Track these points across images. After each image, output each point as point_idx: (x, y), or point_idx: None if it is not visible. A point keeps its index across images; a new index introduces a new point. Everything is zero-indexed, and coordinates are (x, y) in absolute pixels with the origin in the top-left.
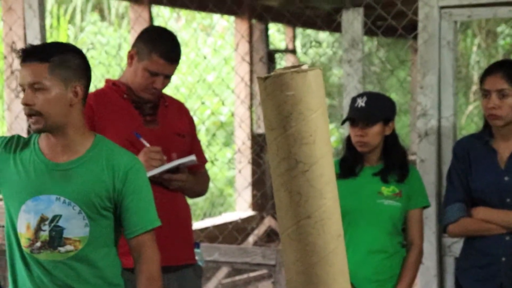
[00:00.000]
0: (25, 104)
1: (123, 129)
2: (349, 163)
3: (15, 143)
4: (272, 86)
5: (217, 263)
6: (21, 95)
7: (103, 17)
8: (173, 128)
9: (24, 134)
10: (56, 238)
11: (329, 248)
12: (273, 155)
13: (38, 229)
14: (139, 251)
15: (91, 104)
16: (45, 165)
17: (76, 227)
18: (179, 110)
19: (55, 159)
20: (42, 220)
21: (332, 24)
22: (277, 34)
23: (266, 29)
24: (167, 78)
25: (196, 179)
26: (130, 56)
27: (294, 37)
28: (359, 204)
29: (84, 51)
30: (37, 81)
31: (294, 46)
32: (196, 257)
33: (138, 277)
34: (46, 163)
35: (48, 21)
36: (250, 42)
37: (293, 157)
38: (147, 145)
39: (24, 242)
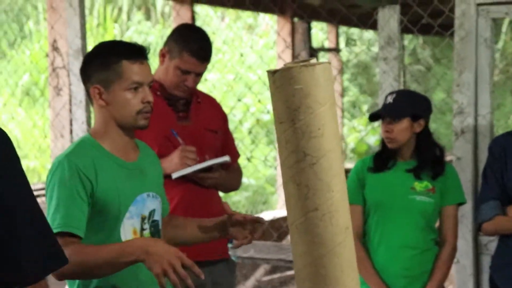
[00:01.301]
0: (150, 101)
1: (158, 126)
2: (382, 158)
3: (82, 161)
4: (281, 79)
5: (252, 259)
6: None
7: (148, 17)
8: (206, 124)
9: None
10: (156, 232)
11: (337, 240)
12: (282, 148)
13: (142, 230)
14: (169, 217)
15: None
16: (127, 168)
17: (161, 217)
18: (212, 106)
19: (130, 159)
20: (143, 219)
21: (368, 21)
22: (321, 33)
23: (309, 28)
24: (199, 76)
25: (229, 174)
26: (162, 55)
27: (337, 36)
28: (390, 199)
29: None
30: (153, 80)
31: (337, 45)
32: (230, 252)
33: (179, 218)
34: (126, 165)
35: (95, 21)
36: (293, 41)
37: (301, 150)
38: (182, 143)
39: None
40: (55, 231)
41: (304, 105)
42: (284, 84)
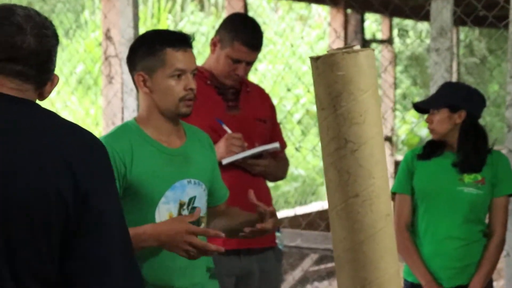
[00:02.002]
0: (193, 89)
1: (207, 115)
2: (432, 146)
3: (121, 145)
4: (323, 66)
5: (299, 248)
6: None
7: (201, 7)
8: (255, 113)
9: (118, 120)
10: (195, 220)
11: (377, 226)
12: (323, 135)
13: (179, 215)
14: (226, 207)
15: None
16: (168, 153)
17: (204, 205)
18: (261, 95)
19: (172, 144)
20: (181, 205)
21: (421, 12)
22: (375, 25)
23: (362, 19)
24: (249, 64)
25: (277, 163)
26: (213, 44)
27: (390, 27)
28: (438, 189)
29: None
30: (196, 67)
31: (391, 36)
32: (277, 241)
33: (232, 210)
34: (168, 151)
35: (149, 11)
36: (345, 32)
37: (343, 136)
38: (229, 131)
39: None
40: None
41: (346, 92)
42: (327, 71)
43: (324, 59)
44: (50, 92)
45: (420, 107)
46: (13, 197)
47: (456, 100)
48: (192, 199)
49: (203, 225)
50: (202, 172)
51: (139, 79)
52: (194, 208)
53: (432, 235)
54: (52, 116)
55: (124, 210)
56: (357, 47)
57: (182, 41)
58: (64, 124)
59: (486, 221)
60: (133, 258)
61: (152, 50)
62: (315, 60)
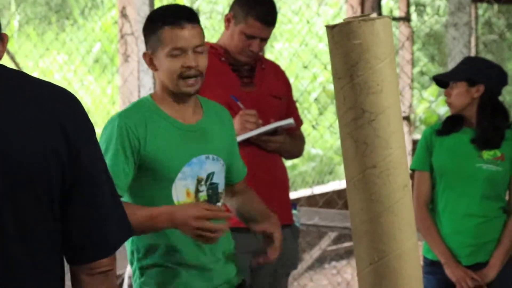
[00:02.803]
0: (190, 66)
1: (222, 91)
2: (451, 122)
3: (135, 120)
4: (340, 34)
5: (317, 227)
6: (168, 58)
7: None
8: (270, 90)
9: (134, 98)
10: (214, 195)
11: (395, 198)
12: (340, 105)
13: (197, 191)
14: (244, 187)
15: None
16: (183, 129)
17: (222, 180)
18: (276, 72)
19: (188, 120)
20: (199, 181)
21: None
22: (392, 3)
23: None
24: (263, 40)
25: (292, 140)
26: (227, 20)
27: (408, 5)
28: (457, 166)
29: (200, 19)
30: (201, 43)
31: (408, 14)
32: (293, 218)
33: (249, 195)
34: (183, 127)
35: None
36: (362, 10)
37: (360, 106)
38: (243, 108)
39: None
40: None
41: (363, 61)
42: (343, 39)
43: (340, 27)
44: (3, 52)
45: (439, 81)
46: (16, 160)
47: (474, 74)
48: (210, 175)
49: (221, 201)
50: (221, 147)
51: (147, 58)
52: (212, 184)
53: (451, 212)
54: (26, 76)
55: (140, 186)
56: (374, 15)
57: (179, 17)
58: (42, 82)
59: (507, 197)
60: (122, 207)
61: (153, 29)
62: (331, 28)
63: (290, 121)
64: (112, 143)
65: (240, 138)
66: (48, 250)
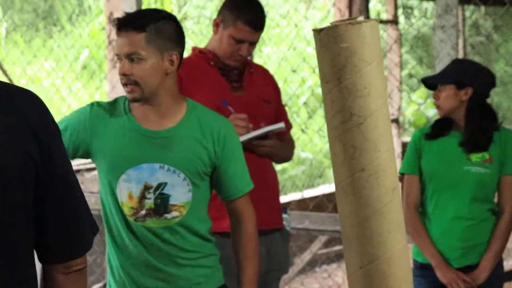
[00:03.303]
0: (123, 74)
1: (211, 96)
2: (439, 125)
3: (101, 112)
4: (327, 38)
5: (307, 230)
6: (118, 65)
7: None
8: (259, 94)
9: None
10: (162, 206)
11: (384, 201)
12: (328, 108)
13: (142, 197)
14: (238, 213)
15: (180, 72)
16: (143, 134)
17: (180, 194)
18: (264, 76)
19: (153, 127)
20: (146, 188)
21: None
22: (380, 5)
23: (367, 0)
24: (252, 45)
25: (283, 145)
26: (216, 24)
27: (395, 8)
28: (446, 169)
29: (188, 24)
30: (134, 51)
31: (396, 17)
32: (284, 222)
33: (237, 236)
34: (144, 131)
35: None
36: (350, 12)
37: (348, 109)
38: (234, 112)
39: (127, 211)
40: None
41: (350, 64)
42: (330, 43)
43: (327, 31)
44: None
45: (428, 83)
46: None
47: (463, 77)
48: (162, 185)
49: (175, 213)
50: (184, 160)
51: None
52: (162, 194)
53: (440, 215)
54: None
55: (99, 171)
56: (361, 18)
57: (119, 24)
58: (5, 85)
59: (496, 199)
60: (86, 201)
61: None
62: (318, 32)
63: (281, 125)
64: (71, 116)
65: None
66: (23, 251)
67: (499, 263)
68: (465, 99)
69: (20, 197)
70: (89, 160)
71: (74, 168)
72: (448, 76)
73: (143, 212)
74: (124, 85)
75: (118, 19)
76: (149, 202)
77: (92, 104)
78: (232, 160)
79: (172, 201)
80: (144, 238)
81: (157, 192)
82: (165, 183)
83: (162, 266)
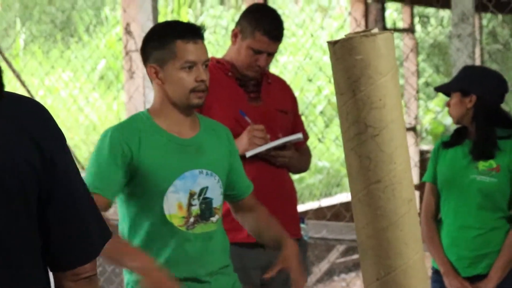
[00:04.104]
0: (202, 80)
1: (229, 107)
2: (457, 134)
3: (125, 134)
4: (341, 50)
5: (325, 240)
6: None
7: (222, 1)
8: (276, 104)
9: None
10: (207, 210)
11: (400, 212)
12: (343, 120)
13: (189, 205)
14: (254, 203)
15: None
16: (178, 143)
17: (217, 196)
18: (282, 87)
19: (184, 135)
20: (191, 195)
21: None
22: (396, 14)
23: (383, 8)
24: (270, 55)
25: (300, 155)
26: (234, 35)
27: (412, 16)
28: (453, 178)
29: (204, 34)
30: (208, 59)
31: (412, 25)
32: (302, 232)
33: (261, 213)
34: (178, 140)
35: (169, 7)
36: (366, 22)
37: (363, 121)
38: (251, 123)
39: (178, 222)
40: None
41: (365, 76)
42: (345, 55)
43: (342, 43)
44: None
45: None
46: None
47: (467, 84)
48: (203, 190)
49: (217, 216)
50: (215, 163)
51: (151, 71)
52: (206, 198)
53: (449, 224)
54: None
55: (134, 195)
56: (375, 30)
57: (192, 32)
58: (9, 94)
59: None
60: (99, 211)
61: (162, 42)
62: (332, 44)
63: (299, 135)
64: (103, 152)
65: (249, 153)
66: (28, 259)
67: (509, 274)
68: (470, 106)
69: (21, 204)
70: None
71: None
72: (454, 83)
73: (192, 219)
74: (199, 91)
75: (192, 27)
76: (195, 209)
77: (112, 131)
78: (238, 158)
79: (214, 204)
80: (194, 247)
81: (201, 197)
82: (206, 187)
83: (208, 277)
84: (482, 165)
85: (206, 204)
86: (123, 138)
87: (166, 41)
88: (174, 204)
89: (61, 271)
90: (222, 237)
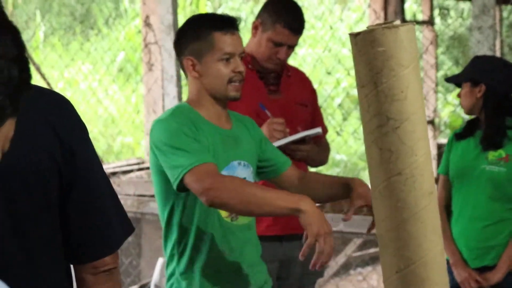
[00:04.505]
0: (239, 71)
1: (249, 99)
2: (470, 125)
3: (187, 118)
4: (363, 42)
5: (342, 233)
6: (219, 64)
7: None
8: (296, 98)
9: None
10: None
11: (421, 205)
12: (364, 112)
13: None
14: (299, 172)
15: None
16: (223, 134)
17: None
18: (302, 80)
19: (224, 126)
20: None
21: None
22: (415, 6)
23: (402, 1)
24: (291, 48)
25: (318, 149)
26: (255, 27)
27: (431, 8)
28: (463, 168)
29: None
30: (243, 51)
31: (432, 18)
32: None
33: (313, 175)
34: (222, 131)
35: None
36: (385, 14)
37: (384, 113)
38: (271, 116)
39: (224, 213)
40: (189, 168)
41: (386, 68)
42: (367, 47)
43: (363, 35)
44: None
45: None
46: (13, 169)
47: (476, 74)
48: None
49: None
50: (250, 154)
51: (188, 63)
52: None
53: (459, 215)
54: None
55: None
56: (397, 22)
57: (229, 24)
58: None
59: None
60: (121, 204)
61: (199, 34)
62: (354, 36)
63: (318, 130)
64: (178, 132)
65: None
66: (48, 252)
67: None
68: (479, 96)
69: (43, 196)
70: (125, 162)
71: (110, 170)
72: (465, 74)
73: None
74: (236, 81)
75: (229, 19)
76: None
77: (168, 121)
78: (269, 142)
79: None
80: (237, 238)
81: None
82: (244, 178)
83: (249, 269)
84: (491, 155)
85: None
86: (185, 121)
87: (203, 33)
88: None
89: (81, 264)
90: (255, 228)
